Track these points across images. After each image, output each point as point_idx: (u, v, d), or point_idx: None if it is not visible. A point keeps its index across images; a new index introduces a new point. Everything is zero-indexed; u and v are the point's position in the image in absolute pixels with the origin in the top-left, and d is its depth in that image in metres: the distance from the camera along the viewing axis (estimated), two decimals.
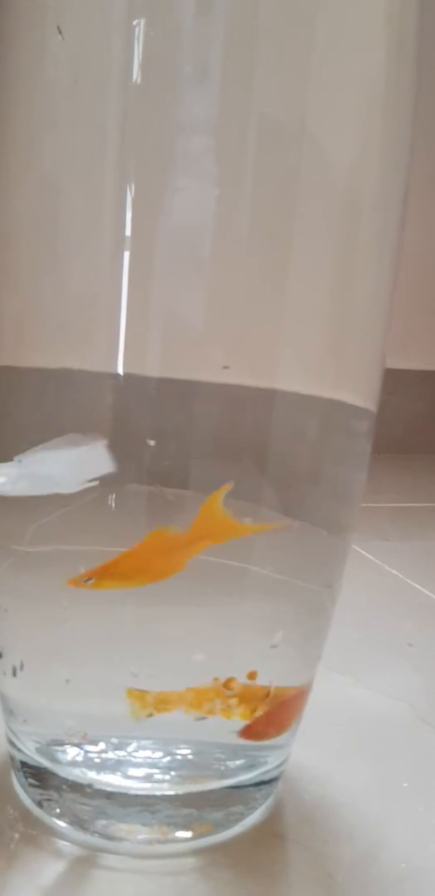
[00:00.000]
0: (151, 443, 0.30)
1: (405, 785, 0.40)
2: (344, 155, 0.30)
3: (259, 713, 0.33)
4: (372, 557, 0.72)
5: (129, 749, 0.33)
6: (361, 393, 0.33)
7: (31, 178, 0.30)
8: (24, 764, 0.35)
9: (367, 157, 0.31)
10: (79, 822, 0.34)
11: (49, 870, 0.32)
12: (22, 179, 0.30)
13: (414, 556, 0.75)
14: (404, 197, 0.32)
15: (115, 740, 0.33)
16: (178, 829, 0.34)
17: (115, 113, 0.28)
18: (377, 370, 0.34)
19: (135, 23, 0.27)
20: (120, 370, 0.29)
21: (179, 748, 0.34)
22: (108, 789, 0.33)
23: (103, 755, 0.33)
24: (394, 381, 1.09)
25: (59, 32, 0.28)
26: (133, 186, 0.28)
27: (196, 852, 0.34)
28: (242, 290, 0.30)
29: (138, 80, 0.28)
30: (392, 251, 0.32)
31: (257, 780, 0.35)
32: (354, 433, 0.34)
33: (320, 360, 0.32)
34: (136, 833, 0.33)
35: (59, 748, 0.34)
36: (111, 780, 0.33)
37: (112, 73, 0.28)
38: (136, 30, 0.27)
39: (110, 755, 0.33)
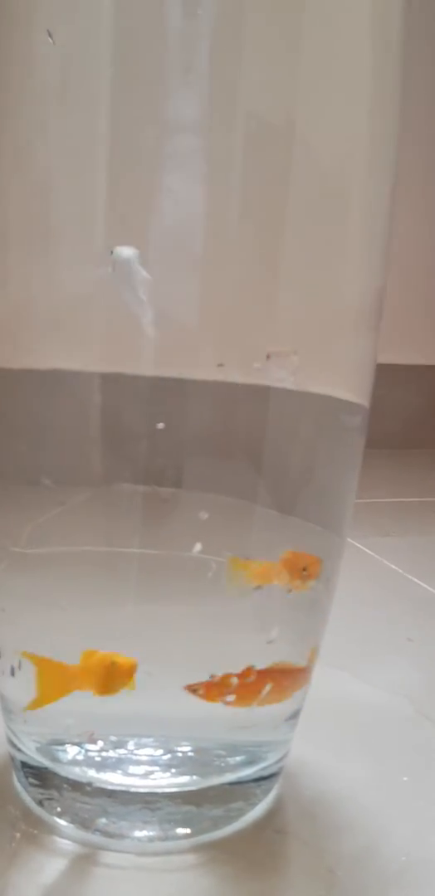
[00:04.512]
0: (161, 425, 0.30)
1: (405, 779, 0.40)
2: (332, 151, 0.30)
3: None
4: (371, 553, 0.72)
5: (129, 747, 0.33)
6: (353, 388, 0.33)
7: (23, 180, 0.30)
8: (24, 764, 0.35)
9: (354, 154, 0.31)
10: (80, 821, 0.34)
11: (50, 868, 0.32)
12: (13, 181, 0.30)
13: (413, 551, 0.75)
14: (393, 192, 0.32)
15: (114, 738, 0.33)
16: (178, 826, 0.34)
17: (105, 114, 0.28)
18: (369, 365, 0.34)
19: (123, 25, 0.27)
20: (113, 370, 0.29)
21: (180, 745, 0.34)
22: (109, 787, 0.33)
23: (103, 753, 0.33)
24: (392, 376, 1.10)
25: (50, 36, 0.28)
26: (124, 187, 0.28)
27: (196, 849, 0.34)
28: (233, 287, 0.30)
29: (127, 82, 0.28)
30: (382, 245, 0.32)
31: (257, 775, 0.35)
32: (346, 428, 0.34)
33: (313, 356, 0.32)
34: (137, 831, 0.34)
35: (60, 747, 0.34)
36: (111, 779, 0.33)
37: (101, 74, 0.28)
38: (125, 32, 0.27)
39: (111, 753, 0.33)
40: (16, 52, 0.30)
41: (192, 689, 0.32)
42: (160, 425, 0.29)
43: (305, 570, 0.32)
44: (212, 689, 0.32)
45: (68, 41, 0.28)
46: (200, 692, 0.32)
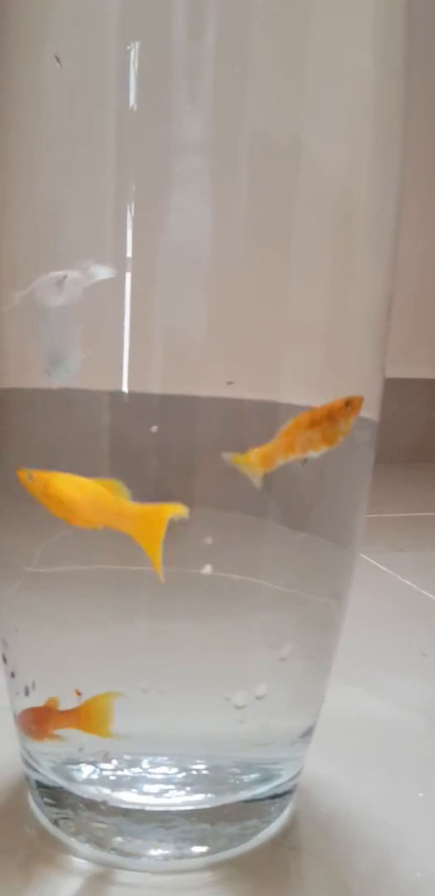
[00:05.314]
0: (154, 429, 0.30)
1: (420, 795, 0.40)
2: (337, 168, 0.31)
3: None
4: (385, 568, 0.72)
5: (144, 765, 0.33)
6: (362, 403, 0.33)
7: (31, 202, 0.31)
8: (39, 783, 0.35)
9: (359, 169, 0.31)
10: (95, 840, 0.34)
11: (66, 888, 0.32)
12: (23, 203, 0.31)
13: (427, 565, 0.75)
14: (399, 205, 0.32)
15: (128, 757, 0.33)
16: (193, 845, 0.34)
17: (111, 135, 0.29)
18: (378, 379, 0.34)
19: (129, 47, 0.28)
20: (123, 388, 0.30)
21: (194, 763, 0.34)
22: (124, 806, 0.33)
23: (118, 772, 0.33)
24: (404, 390, 1.10)
25: (58, 61, 0.29)
26: (132, 207, 0.29)
27: (212, 867, 0.34)
28: (241, 305, 0.30)
29: (134, 103, 0.28)
30: (389, 258, 0.33)
31: (272, 793, 0.35)
32: (356, 443, 0.34)
33: (320, 371, 0.32)
34: (152, 849, 0.34)
35: (74, 766, 0.34)
36: (126, 797, 0.33)
37: (108, 96, 0.28)
38: (131, 53, 0.28)
39: (125, 772, 0.33)
40: (24, 75, 0.30)
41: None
42: (154, 428, 0.30)
43: (348, 404, 0.30)
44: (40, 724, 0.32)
45: (74, 63, 0.29)
46: (33, 728, 0.32)
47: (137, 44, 0.28)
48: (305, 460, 0.30)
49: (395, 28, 0.31)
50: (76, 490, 0.29)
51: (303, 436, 0.30)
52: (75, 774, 0.34)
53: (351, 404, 0.30)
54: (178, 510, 0.29)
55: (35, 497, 0.30)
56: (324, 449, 0.30)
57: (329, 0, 0.30)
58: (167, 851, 0.34)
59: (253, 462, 0.30)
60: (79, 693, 0.32)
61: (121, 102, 0.28)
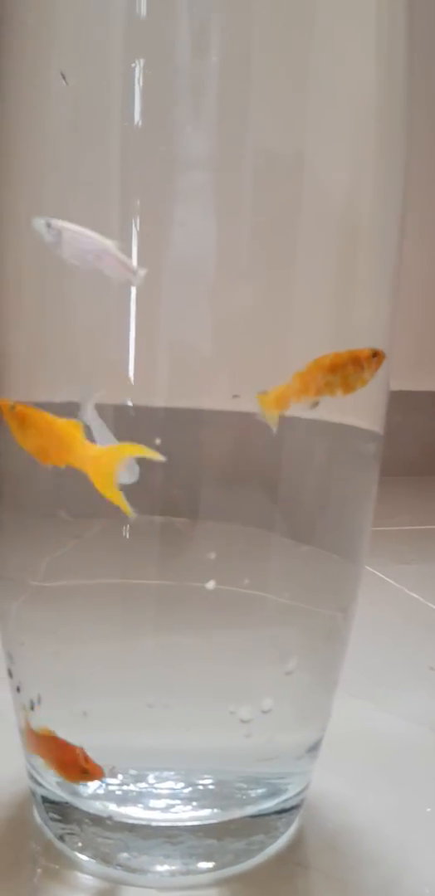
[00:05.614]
0: (157, 441, 0.30)
1: (428, 810, 0.39)
2: (340, 182, 0.31)
3: None
4: (392, 581, 0.72)
5: (150, 780, 0.33)
6: (366, 415, 0.33)
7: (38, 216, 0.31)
8: (45, 798, 0.35)
9: (363, 184, 0.31)
10: (101, 856, 0.34)
11: None
12: (28, 218, 0.31)
13: (433, 578, 0.75)
14: (402, 219, 0.33)
15: (134, 772, 0.33)
16: (200, 860, 0.34)
17: (116, 151, 0.29)
18: (382, 392, 0.34)
19: (133, 64, 0.28)
20: (129, 402, 0.30)
21: (200, 778, 0.34)
22: (130, 821, 0.33)
23: (124, 787, 0.33)
24: (409, 403, 1.10)
25: (63, 78, 0.29)
26: (137, 221, 0.29)
27: (218, 883, 0.33)
28: (245, 318, 0.30)
29: (138, 119, 0.28)
30: (392, 271, 0.33)
31: (278, 808, 0.35)
32: (361, 456, 0.34)
33: None
34: (159, 865, 0.33)
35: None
36: (132, 813, 0.33)
37: (113, 113, 0.29)
38: (135, 70, 0.28)
39: (131, 787, 0.33)
40: (30, 92, 0.30)
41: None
42: (158, 441, 0.30)
43: (375, 355, 0.30)
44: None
45: (81, 81, 0.29)
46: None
47: (142, 61, 0.28)
48: (317, 403, 0.30)
49: (397, 44, 0.31)
50: (48, 426, 0.29)
51: (321, 378, 0.29)
52: (81, 789, 0.34)
53: (377, 356, 0.30)
54: (135, 451, 0.29)
55: (12, 430, 0.30)
56: (339, 395, 0.30)
57: (332, 16, 0.30)
58: (173, 867, 0.33)
59: (269, 403, 0.30)
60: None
61: (125, 119, 0.28)
